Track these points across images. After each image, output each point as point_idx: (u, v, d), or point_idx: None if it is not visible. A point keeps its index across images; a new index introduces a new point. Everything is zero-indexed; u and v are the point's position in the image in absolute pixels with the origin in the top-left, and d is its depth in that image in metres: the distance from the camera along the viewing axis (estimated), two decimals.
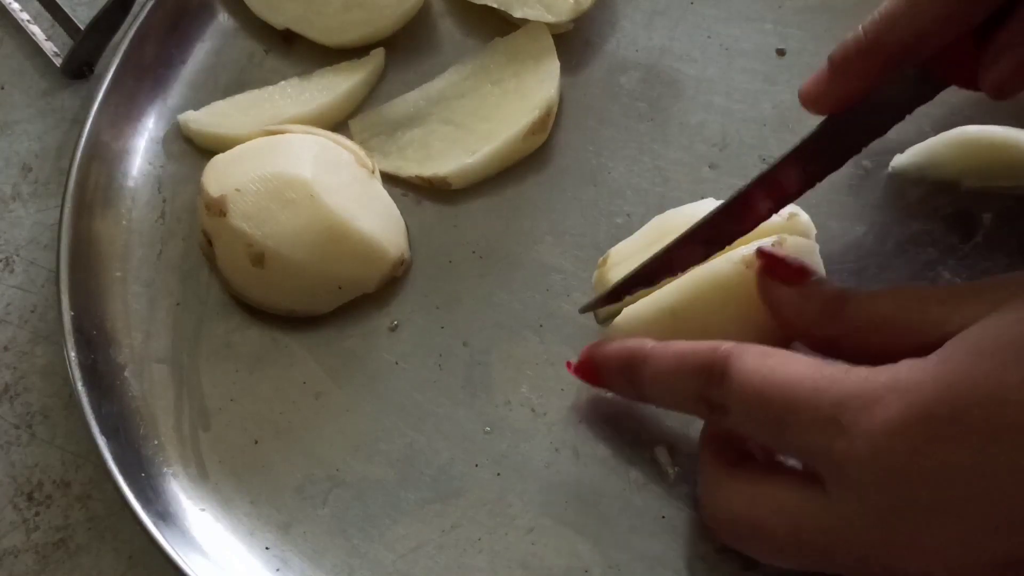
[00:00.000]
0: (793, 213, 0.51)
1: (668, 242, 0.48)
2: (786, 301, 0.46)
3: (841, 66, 0.45)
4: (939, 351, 0.39)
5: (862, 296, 0.44)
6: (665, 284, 0.50)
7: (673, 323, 0.49)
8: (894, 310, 0.43)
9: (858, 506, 0.39)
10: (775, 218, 0.50)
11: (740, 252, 0.49)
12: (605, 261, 0.54)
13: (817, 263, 0.51)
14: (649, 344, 0.47)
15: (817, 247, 0.51)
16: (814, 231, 0.51)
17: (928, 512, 0.38)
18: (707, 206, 0.53)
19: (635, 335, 0.49)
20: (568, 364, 0.51)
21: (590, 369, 0.50)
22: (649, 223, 0.54)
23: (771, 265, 0.47)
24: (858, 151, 0.48)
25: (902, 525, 0.38)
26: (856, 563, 0.40)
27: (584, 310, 0.52)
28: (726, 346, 0.44)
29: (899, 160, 0.55)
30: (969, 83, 0.45)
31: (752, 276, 0.48)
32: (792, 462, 0.45)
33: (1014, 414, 0.36)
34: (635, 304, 0.51)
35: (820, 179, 0.48)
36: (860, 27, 0.44)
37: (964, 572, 0.38)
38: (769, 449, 0.46)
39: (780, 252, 0.47)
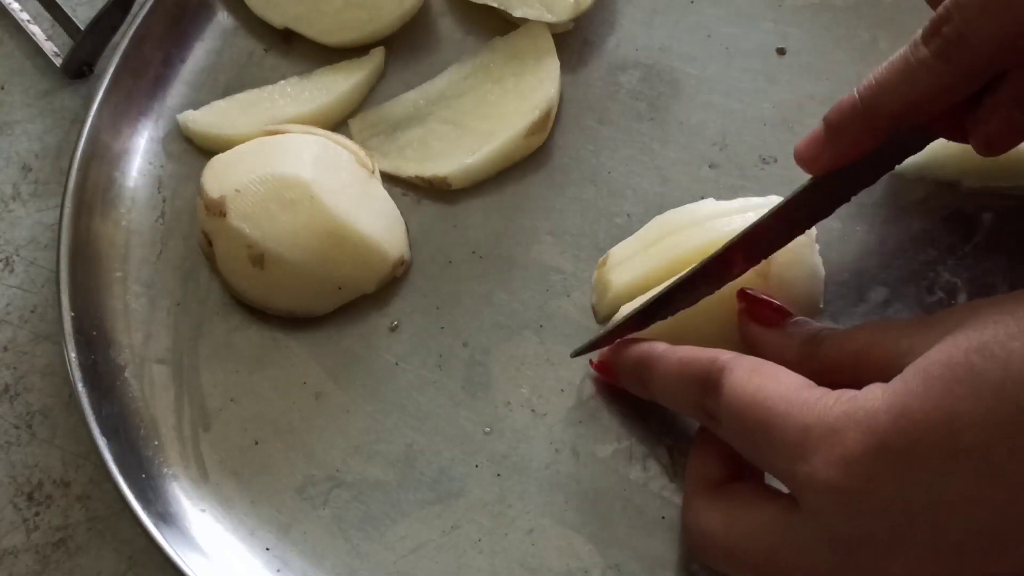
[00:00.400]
0: None
1: (657, 292, 0.49)
2: (767, 342, 0.47)
3: (837, 130, 0.46)
4: (896, 378, 0.39)
5: (836, 335, 0.45)
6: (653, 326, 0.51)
7: (671, 324, 0.50)
8: (866, 346, 0.44)
9: (823, 532, 0.40)
10: None
11: None
12: (605, 261, 0.54)
13: (816, 263, 0.51)
14: (659, 348, 0.48)
15: (817, 247, 0.51)
16: (814, 231, 0.51)
17: (886, 542, 0.38)
18: (706, 206, 0.53)
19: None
20: (591, 362, 0.52)
21: (608, 368, 0.52)
22: (649, 223, 0.54)
23: (752, 307, 0.48)
24: (847, 200, 0.48)
25: (864, 554, 0.39)
26: None
27: (576, 354, 0.53)
28: (724, 357, 0.45)
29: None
30: (958, 136, 0.46)
31: (750, 279, 0.49)
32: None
33: (965, 441, 0.36)
34: (633, 305, 0.51)
35: (808, 227, 0.49)
36: (856, 91, 0.45)
37: None
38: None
39: (761, 294, 0.48)
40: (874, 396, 0.39)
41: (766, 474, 0.45)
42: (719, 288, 0.49)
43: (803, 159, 0.47)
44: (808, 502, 0.40)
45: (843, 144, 0.46)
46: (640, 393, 0.50)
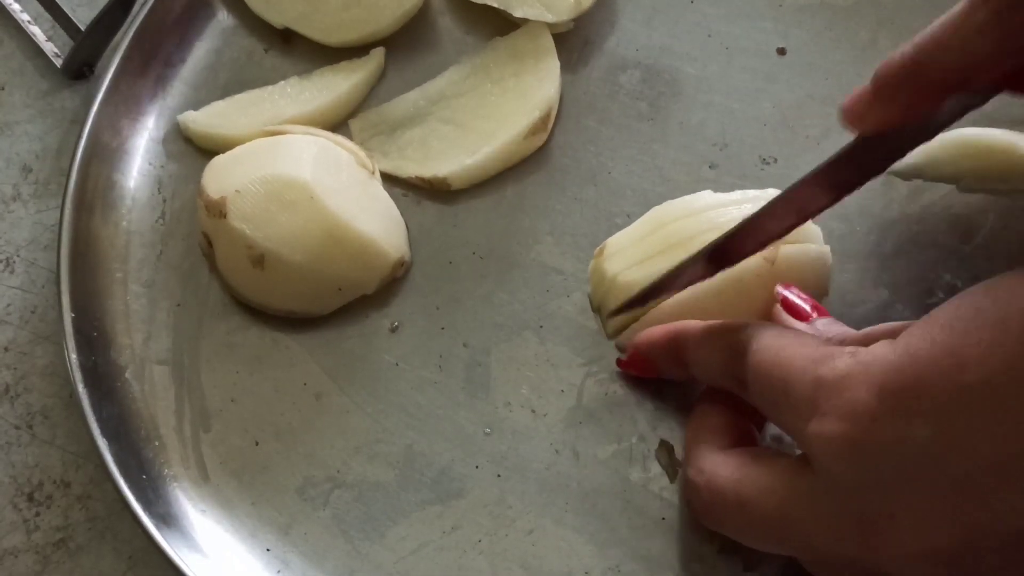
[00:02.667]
0: None
1: (678, 262, 0.49)
2: None
3: (885, 89, 0.43)
4: (904, 332, 0.39)
5: (852, 335, 0.46)
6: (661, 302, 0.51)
7: (670, 304, 0.51)
8: None
9: (831, 486, 0.40)
10: None
11: None
12: (602, 252, 0.54)
13: (824, 250, 0.52)
14: (691, 323, 0.49)
15: (819, 231, 0.52)
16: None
17: (890, 485, 0.38)
18: (704, 197, 0.53)
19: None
20: (618, 361, 0.53)
21: (640, 358, 0.52)
22: (646, 214, 0.54)
23: (788, 302, 0.49)
24: (891, 164, 0.45)
25: (869, 501, 0.39)
26: (834, 545, 0.40)
27: (613, 313, 0.52)
28: (754, 324, 0.45)
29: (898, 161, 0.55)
30: (1020, 87, 0.43)
31: (758, 264, 0.50)
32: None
33: (968, 375, 0.36)
34: (629, 271, 0.52)
35: (847, 194, 0.46)
36: (905, 49, 0.42)
37: (930, 558, 0.38)
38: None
39: (802, 294, 0.49)
40: (882, 346, 0.39)
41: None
42: (737, 262, 0.48)
43: (851, 117, 0.44)
44: (817, 457, 0.40)
45: (893, 108, 0.43)
46: (675, 372, 0.50)
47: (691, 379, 0.50)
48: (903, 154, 0.45)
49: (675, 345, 0.49)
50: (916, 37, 0.42)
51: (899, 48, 0.42)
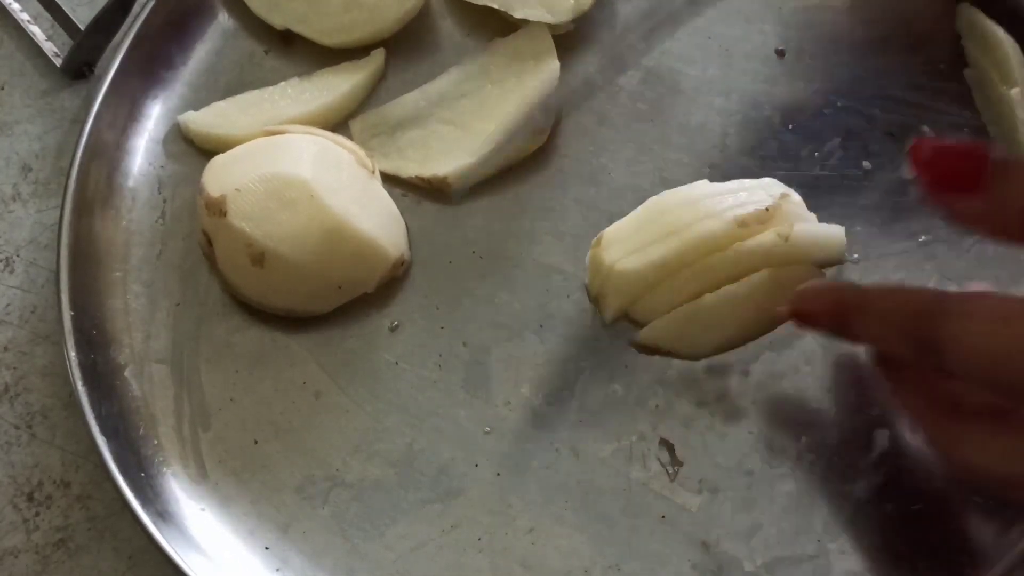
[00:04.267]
0: (785, 194, 0.52)
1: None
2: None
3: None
4: None
5: None
6: None
7: (664, 274, 0.51)
8: None
9: None
10: (766, 199, 0.51)
11: (733, 212, 0.51)
12: (599, 241, 0.54)
13: (839, 228, 0.52)
14: (863, 286, 0.47)
15: (815, 217, 0.52)
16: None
17: None
18: (700, 187, 0.53)
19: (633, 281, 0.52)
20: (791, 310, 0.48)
21: (806, 308, 0.47)
22: (643, 203, 0.54)
23: (930, 168, 0.40)
24: None
25: None
26: None
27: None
28: (944, 291, 0.41)
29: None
30: None
31: (771, 239, 0.50)
32: None
33: None
34: (627, 259, 0.52)
35: None
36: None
37: None
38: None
39: (938, 143, 0.40)
40: None
41: None
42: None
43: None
44: None
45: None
46: (833, 327, 0.46)
47: (852, 335, 0.46)
48: None
49: (842, 308, 0.45)
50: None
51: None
